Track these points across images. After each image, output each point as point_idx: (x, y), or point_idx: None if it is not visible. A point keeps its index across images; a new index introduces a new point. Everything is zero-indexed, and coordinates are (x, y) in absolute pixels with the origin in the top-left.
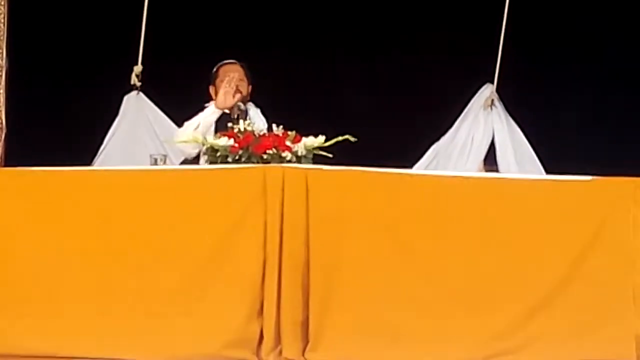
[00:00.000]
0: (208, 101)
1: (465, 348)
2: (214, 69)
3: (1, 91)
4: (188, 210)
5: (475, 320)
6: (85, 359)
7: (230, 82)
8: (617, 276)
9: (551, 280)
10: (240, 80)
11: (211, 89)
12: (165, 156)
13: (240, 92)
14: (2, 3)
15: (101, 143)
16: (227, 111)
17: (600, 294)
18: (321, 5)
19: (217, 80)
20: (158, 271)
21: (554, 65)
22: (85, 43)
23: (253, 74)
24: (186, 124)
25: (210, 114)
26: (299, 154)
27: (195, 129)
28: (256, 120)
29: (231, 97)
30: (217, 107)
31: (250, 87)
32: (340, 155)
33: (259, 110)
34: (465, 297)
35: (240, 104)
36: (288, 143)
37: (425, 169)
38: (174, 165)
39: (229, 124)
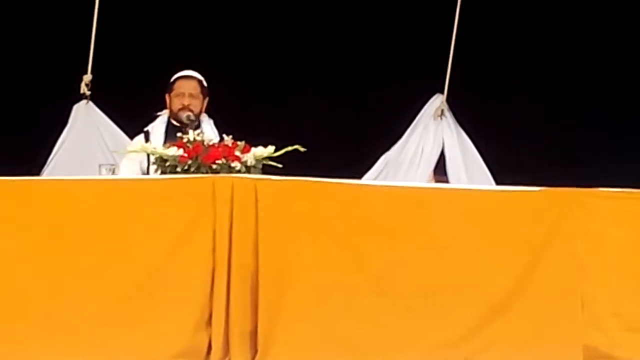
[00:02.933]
0: (162, 109)
1: (416, 357)
2: (171, 80)
3: None
4: (137, 220)
5: (426, 329)
6: None
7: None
8: (566, 286)
9: (501, 289)
10: (194, 97)
11: (167, 98)
12: (114, 166)
13: (191, 111)
14: None
15: (50, 152)
16: (177, 123)
17: (549, 303)
18: (272, 15)
19: (172, 94)
20: (106, 280)
21: (503, 75)
22: (34, 51)
23: (202, 83)
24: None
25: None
26: (249, 164)
27: None
28: (207, 131)
29: None
30: None
31: (206, 99)
32: (290, 166)
33: (211, 122)
34: (416, 307)
35: (190, 114)
36: (237, 153)
37: (375, 179)
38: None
39: (178, 134)
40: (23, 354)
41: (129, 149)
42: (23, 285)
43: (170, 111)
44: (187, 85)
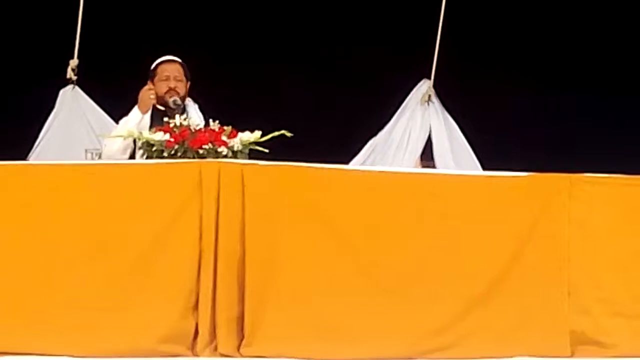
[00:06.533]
0: None
1: (403, 343)
2: (153, 66)
3: None
4: (123, 205)
5: (412, 316)
6: (18, 355)
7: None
8: (552, 271)
9: (488, 275)
10: (178, 80)
11: (150, 84)
12: (100, 150)
13: (178, 93)
14: None
15: (36, 137)
16: (162, 108)
17: (535, 289)
18: (259, 1)
19: (156, 79)
20: (92, 266)
21: (490, 60)
22: (20, 36)
23: (190, 70)
24: (115, 131)
25: (136, 122)
26: (235, 149)
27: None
28: (193, 116)
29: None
30: (141, 111)
31: (189, 83)
32: (277, 151)
33: (196, 106)
34: (402, 293)
35: (177, 98)
36: (224, 138)
37: (362, 164)
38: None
39: (165, 119)
40: (9, 341)
41: (115, 132)
42: (8, 271)
43: (156, 96)
44: (171, 69)
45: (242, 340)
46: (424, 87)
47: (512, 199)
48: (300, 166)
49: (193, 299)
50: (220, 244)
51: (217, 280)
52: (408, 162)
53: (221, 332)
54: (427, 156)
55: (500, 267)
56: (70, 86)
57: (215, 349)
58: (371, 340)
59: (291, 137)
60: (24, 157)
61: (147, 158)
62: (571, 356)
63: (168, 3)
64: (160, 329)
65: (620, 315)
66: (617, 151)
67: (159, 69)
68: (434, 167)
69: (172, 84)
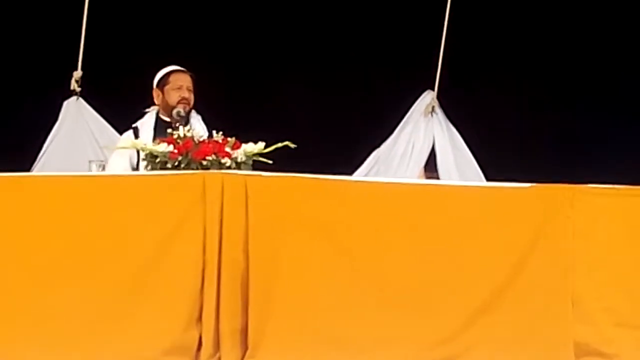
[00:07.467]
0: (149, 106)
1: (407, 353)
2: (163, 73)
3: None
4: (127, 216)
5: (416, 326)
6: None
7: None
8: (556, 282)
9: (491, 286)
10: (190, 91)
11: (155, 93)
12: (104, 162)
13: (189, 104)
14: None
15: (40, 149)
16: (166, 118)
17: (539, 300)
18: (262, 10)
19: (167, 87)
20: (96, 277)
21: (493, 71)
22: (24, 48)
23: (194, 79)
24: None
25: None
26: (239, 160)
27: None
28: (196, 127)
29: None
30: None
31: None
32: (280, 162)
33: (199, 118)
34: (406, 304)
35: (180, 110)
36: (228, 149)
37: (366, 175)
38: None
39: (169, 130)
40: (11, 352)
41: (119, 145)
42: (11, 282)
43: (165, 104)
44: (184, 79)
45: (246, 351)
46: (428, 98)
47: (515, 210)
48: (304, 177)
49: (197, 311)
50: (224, 255)
51: (221, 292)
52: (412, 174)
53: (225, 343)
54: (430, 167)
55: (504, 278)
56: (73, 98)
57: None
58: (375, 351)
59: (294, 148)
60: (28, 168)
61: (150, 169)
62: None
63: (171, 15)
64: (164, 340)
65: (625, 325)
66: (625, 161)
67: (171, 77)
68: (437, 178)
69: (186, 94)
